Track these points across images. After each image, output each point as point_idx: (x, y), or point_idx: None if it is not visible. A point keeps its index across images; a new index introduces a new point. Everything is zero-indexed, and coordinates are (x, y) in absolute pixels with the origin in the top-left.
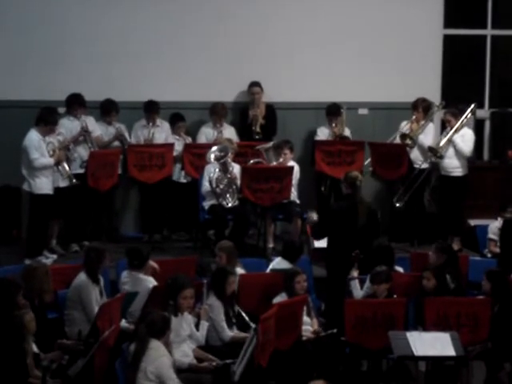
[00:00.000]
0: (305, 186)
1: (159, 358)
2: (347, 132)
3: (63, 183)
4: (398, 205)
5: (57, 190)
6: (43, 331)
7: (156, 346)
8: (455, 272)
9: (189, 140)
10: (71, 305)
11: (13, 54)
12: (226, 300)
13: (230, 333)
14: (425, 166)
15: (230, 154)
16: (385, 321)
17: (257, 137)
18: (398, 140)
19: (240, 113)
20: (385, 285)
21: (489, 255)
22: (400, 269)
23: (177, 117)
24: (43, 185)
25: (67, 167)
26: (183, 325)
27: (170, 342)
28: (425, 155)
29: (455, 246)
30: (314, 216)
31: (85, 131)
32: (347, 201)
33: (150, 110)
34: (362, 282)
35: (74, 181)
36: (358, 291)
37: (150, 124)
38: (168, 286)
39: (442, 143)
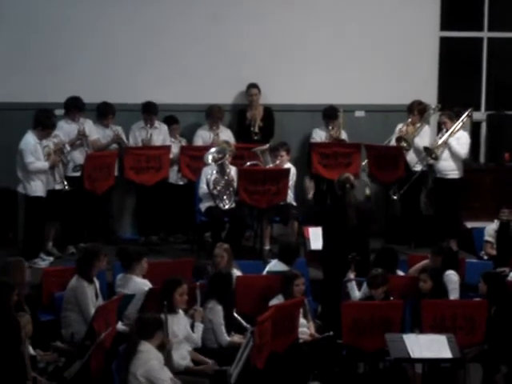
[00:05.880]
0: (301, 188)
1: (149, 362)
2: (344, 135)
3: (59, 186)
4: (395, 197)
5: (53, 192)
6: (37, 333)
7: (146, 349)
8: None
9: (183, 142)
10: (68, 307)
11: (10, 56)
12: (227, 303)
13: (227, 337)
14: (419, 167)
15: (227, 156)
16: (381, 323)
17: (255, 137)
18: (393, 143)
19: (238, 115)
20: (382, 288)
21: (485, 257)
22: (401, 272)
23: (171, 119)
24: (38, 187)
25: (62, 172)
26: (180, 326)
27: (170, 344)
28: (420, 157)
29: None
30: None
31: (82, 135)
32: (336, 203)
33: (148, 111)
34: (359, 285)
35: (67, 187)
36: (355, 293)
37: (148, 125)
38: (164, 285)
39: (437, 144)
